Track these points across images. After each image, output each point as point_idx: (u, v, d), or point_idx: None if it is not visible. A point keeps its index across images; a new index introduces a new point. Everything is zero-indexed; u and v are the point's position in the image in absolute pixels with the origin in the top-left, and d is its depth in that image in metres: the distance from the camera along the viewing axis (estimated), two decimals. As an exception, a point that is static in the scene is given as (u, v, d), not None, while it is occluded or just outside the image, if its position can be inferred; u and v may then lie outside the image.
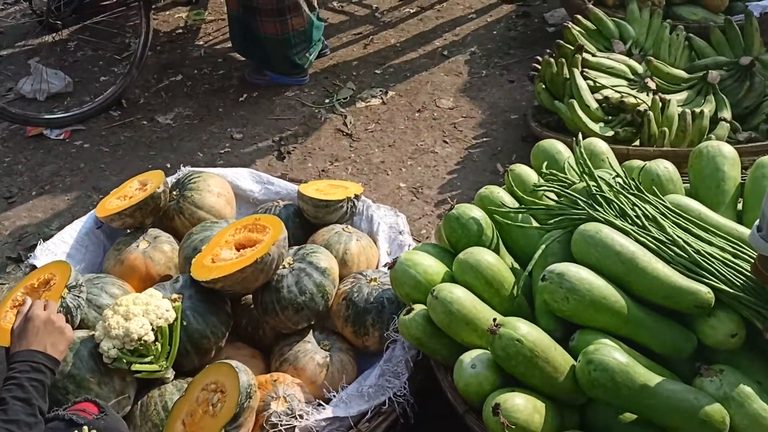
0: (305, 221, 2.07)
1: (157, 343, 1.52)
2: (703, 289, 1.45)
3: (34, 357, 1.34)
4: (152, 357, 1.52)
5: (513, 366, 1.42)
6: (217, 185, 2.10)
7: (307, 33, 3.09)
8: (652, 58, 2.51)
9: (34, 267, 1.87)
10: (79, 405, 1.34)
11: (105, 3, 3.12)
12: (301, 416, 1.55)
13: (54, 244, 1.95)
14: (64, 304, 1.58)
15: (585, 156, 1.68)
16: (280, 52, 3.08)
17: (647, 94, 2.37)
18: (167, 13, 3.85)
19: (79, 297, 1.62)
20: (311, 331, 1.81)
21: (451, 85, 3.18)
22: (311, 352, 1.75)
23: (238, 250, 1.73)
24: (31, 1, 2.98)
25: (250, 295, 1.85)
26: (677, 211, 1.60)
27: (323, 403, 1.63)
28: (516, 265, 1.72)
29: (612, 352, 1.39)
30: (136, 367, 1.49)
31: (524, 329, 1.42)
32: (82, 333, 1.58)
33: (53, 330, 1.39)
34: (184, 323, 1.61)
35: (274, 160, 2.82)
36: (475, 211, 1.70)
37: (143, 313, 1.49)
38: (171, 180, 2.13)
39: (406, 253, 1.67)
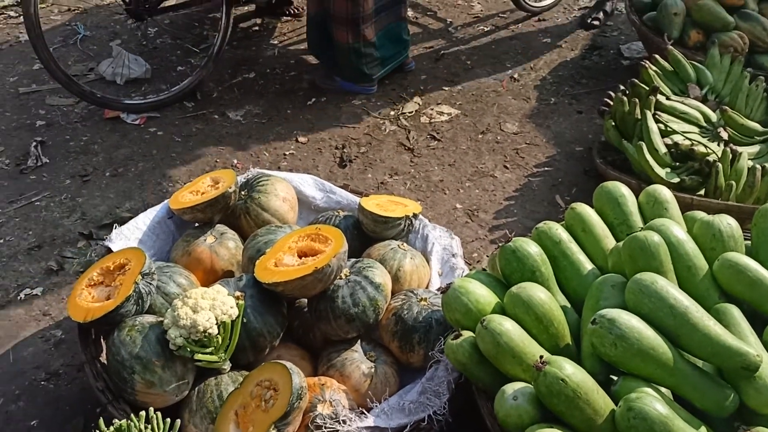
0: (363, 234, 2.14)
1: (219, 336, 1.61)
2: (753, 351, 1.46)
3: None
4: (213, 348, 1.61)
5: (554, 404, 1.45)
6: (283, 190, 2.19)
7: (378, 45, 3.16)
8: (727, 107, 2.49)
9: (108, 249, 1.99)
10: None
11: (190, -2, 3.26)
12: (344, 421, 1.62)
13: (128, 229, 2.07)
14: (137, 290, 1.69)
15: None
16: (349, 60, 3.16)
17: (718, 144, 2.35)
18: (245, 8, 3.98)
19: (150, 284, 1.73)
20: (359, 341, 1.87)
21: (518, 109, 3.21)
22: (357, 361, 1.82)
23: (300, 257, 1.81)
24: (122, -13, 3.12)
25: (305, 299, 1.93)
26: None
27: (365, 412, 1.70)
28: (567, 304, 1.75)
29: (653, 402, 1.41)
30: (198, 356, 1.59)
31: (569, 369, 1.45)
32: (152, 318, 1.69)
33: None
34: (244, 320, 1.69)
35: (336, 167, 2.90)
36: (531, 247, 1.74)
37: (210, 307, 1.58)
38: (240, 179, 2.23)
39: (459, 279, 1.72)
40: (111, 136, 3.07)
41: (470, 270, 2.31)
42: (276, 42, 3.74)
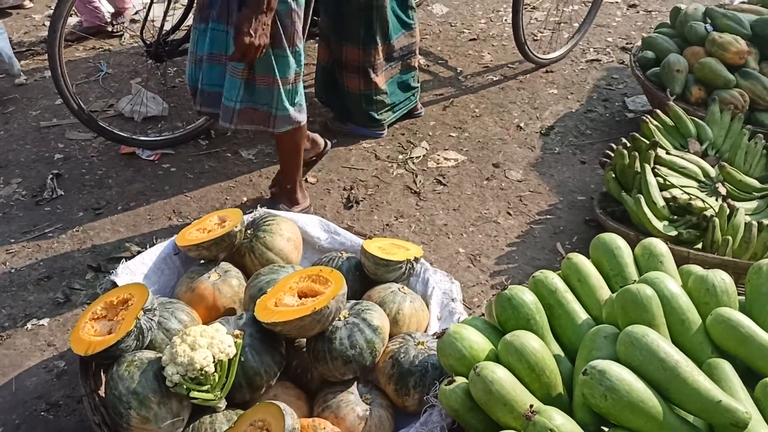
0: (364, 275, 2.18)
1: (215, 374, 1.64)
2: (742, 408, 1.47)
3: None
4: (209, 386, 1.64)
5: (544, 454, 1.46)
6: (288, 230, 2.24)
7: (388, 92, 3.27)
8: (725, 163, 2.54)
9: (114, 284, 2.04)
10: None
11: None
12: (335, 464, 1.63)
13: (134, 265, 2.12)
14: (138, 325, 1.73)
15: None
16: (360, 106, 3.26)
17: (716, 199, 2.39)
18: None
19: (152, 320, 1.77)
20: (356, 383, 1.89)
21: (523, 157, 3.27)
22: (353, 403, 1.84)
23: (300, 297, 1.85)
24: (143, 30, 3.24)
25: (303, 339, 1.95)
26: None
27: (357, 456, 1.71)
28: (561, 353, 1.77)
29: (643, 456, 1.41)
30: (194, 394, 1.62)
31: (558, 420, 1.46)
32: (151, 354, 1.72)
33: None
34: (242, 359, 1.72)
35: (342, 208, 2.96)
36: (527, 295, 1.77)
37: (208, 345, 1.62)
38: (247, 218, 2.29)
39: (455, 325, 1.75)
40: (125, 171, 3.15)
41: (470, 315, 2.34)
42: (290, 85, 3.84)
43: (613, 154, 2.68)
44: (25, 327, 2.37)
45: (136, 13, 4.47)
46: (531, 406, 1.50)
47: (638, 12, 4.69)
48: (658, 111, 2.84)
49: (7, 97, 3.71)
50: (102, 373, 1.85)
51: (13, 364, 2.24)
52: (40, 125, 3.47)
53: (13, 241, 2.74)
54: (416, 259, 2.21)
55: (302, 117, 2.55)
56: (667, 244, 1.92)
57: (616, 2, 4.81)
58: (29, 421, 2.05)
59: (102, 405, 1.73)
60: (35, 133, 3.41)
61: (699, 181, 2.52)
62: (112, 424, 1.68)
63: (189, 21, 3.31)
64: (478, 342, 1.71)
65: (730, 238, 2.25)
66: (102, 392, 1.79)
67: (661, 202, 2.41)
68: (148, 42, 3.18)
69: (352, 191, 3.04)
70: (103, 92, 3.74)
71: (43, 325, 2.38)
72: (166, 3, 3.13)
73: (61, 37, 2.82)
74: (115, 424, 1.66)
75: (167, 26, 3.14)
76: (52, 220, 2.85)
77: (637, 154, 2.55)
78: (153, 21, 3.19)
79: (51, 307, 2.45)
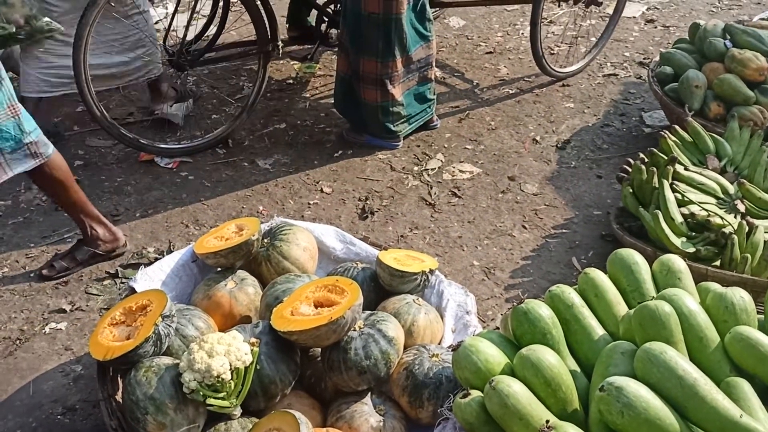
0: (379, 286, 2.18)
1: (231, 381, 1.65)
2: (761, 428, 1.45)
3: None
4: (225, 393, 1.65)
5: (559, 469, 1.45)
6: (305, 239, 2.25)
7: (405, 104, 3.29)
8: (744, 180, 2.52)
9: (133, 290, 2.06)
10: None
11: (230, 52, 3.42)
12: (348, 475, 1.63)
13: (153, 271, 2.14)
14: (156, 331, 1.75)
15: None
16: (376, 117, 3.28)
17: (735, 216, 2.37)
18: (281, 62, 4.14)
19: (170, 326, 1.79)
20: (369, 394, 1.90)
21: (539, 171, 3.27)
22: (367, 414, 1.84)
23: (316, 307, 1.86)
24: (165, 39, 3.29)
25: (318, 349, 1.96)
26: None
27: (371, 467, 1.71)
28: (576, 368, 1.76)
29: (660, 475, 1.40)
30: (210, 401, 1.63)
31: (575, 436, 1.46)
32: (168, 360, 1.74)
33: None
34: (258, 367, 1.73)
35: (357, 219, 2.97)
36: (543, 309, 1.76)
37: (225, 352, 1.63)
38: (264, 227, 2.30)
39: (470, 338, 1.75)
40: (144, 179, 3.19)
41: (484, 328, 2.33)
42: (308, 95, 3.88)
43: (630, 169, 2.67)
44: (44, 331, 2.40)
45: (157, 22, 4.53)
46: (547, 421, 1.49)
47: (656, 27, 4.69)
48: (677, 126, 2.83)
49: (29, 103, 3.77)
50: (119, 378, 1.86)
51: (30, 367, 2.26)
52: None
53: (32, 245, 2.78)
54: (431, 271, 2.21)
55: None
56: (684, 260, 1.91)
57: (634, 17, 4.81)
58: (45, 425, 2.07)
59: (119, 410, 1.74)
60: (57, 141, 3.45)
61: (718, 198, 2.50)
62: (128, 429, 1.69)
63: (211, 30, 3.37)
64: (493, 355, 1.70)
65: (749, 255, 2.24)
66: (119, 397, 1.81)
67: (679, 219, 2.39)
68: (170, 51, 3.23)
69: (367, 202, 3.05)
70: (123, 100, 3.78)
71: (60, 329, 2.40)
72: (189, 13, 3.18)
73: (86, 45, 2.87)
74: (132, 429, 1.68)
75: (189, 35, 3.18)
76: (71, 226, 2.88)
77: (655, 169, 2.54)
78: (175, 30, 3.23)
79: (69, 312, 2.47)
